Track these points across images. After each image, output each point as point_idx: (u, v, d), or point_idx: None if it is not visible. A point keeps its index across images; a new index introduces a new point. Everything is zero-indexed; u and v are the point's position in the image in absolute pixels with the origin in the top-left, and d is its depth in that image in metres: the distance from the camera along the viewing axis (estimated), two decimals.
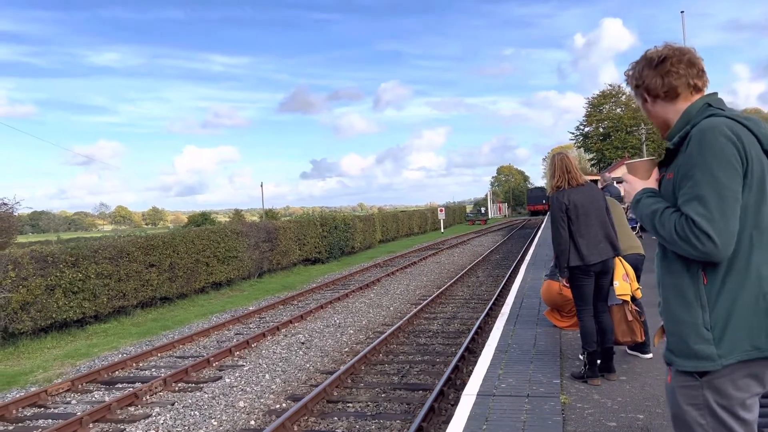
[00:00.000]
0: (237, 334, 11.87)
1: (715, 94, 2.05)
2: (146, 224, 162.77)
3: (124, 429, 6.89)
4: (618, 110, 59.05)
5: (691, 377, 1.92)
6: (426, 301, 13.51)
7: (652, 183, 2.11)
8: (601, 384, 5.13)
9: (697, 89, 2.05)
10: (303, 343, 10.61)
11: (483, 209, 72.81)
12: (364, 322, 12.27)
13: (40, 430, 6.96)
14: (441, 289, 15.32)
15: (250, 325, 12.68)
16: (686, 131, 1.95)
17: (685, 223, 1.84)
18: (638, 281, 5.75)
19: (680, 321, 1.93)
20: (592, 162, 63.62)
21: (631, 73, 2.18)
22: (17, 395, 8.43)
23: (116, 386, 8.70)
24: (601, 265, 5.12)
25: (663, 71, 2.05)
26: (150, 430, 6.82)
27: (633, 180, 2.16)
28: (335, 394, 7.62)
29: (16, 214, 23.64)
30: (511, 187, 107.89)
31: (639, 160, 2.19)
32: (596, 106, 60.65)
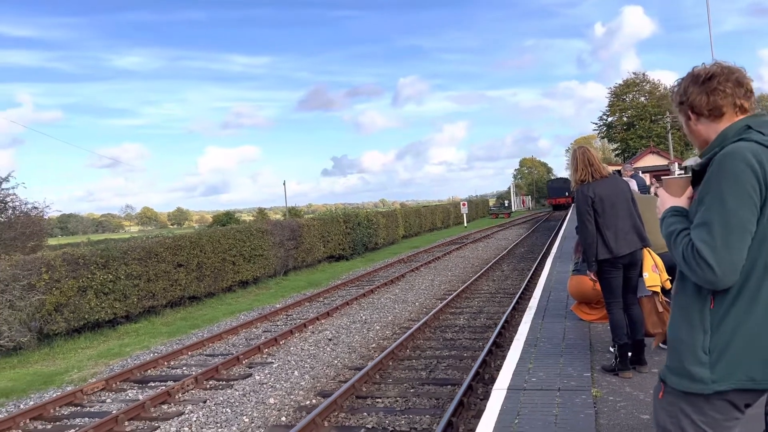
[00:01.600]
0: (265, 331, 11.99)
1: (763, 115, 1.97)
2: (172, 225, 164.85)
3: (158, 426, 7.02)
4: (642, 99, 58.18)
5: (673, 390, 1.94)
6: (451, 296, 13.51)
7: (683, 201, 2.07)
8: (632, 377, 5.08)
9: (743, 110, 1.98)
10: (330, 340, 10.68)
11: (506, 202, 72.29)
12: (390, 318, 12.31)
13: (77, 428, 7.12)
14: (466, 284, 15.30)
15: (278, 323, 12.81)
16: (714, 153, 1.90)
17: (690, 249, 1.83)
18: (675, 278, 5.65)
19: (680, 341, 1.93)
20: (616, 152, 62.83)
21: (676, 89, 2.12)
22: (54, 395, 8.64)
23: (149, 385, 8.87)
24: (629, 257, 5.07)
25: (709, 89, 1.98)
26: (183, 427, 6.94)
27: (665, 197, 2.13)
28: (364, 389, 7.67)
29: (46, 217, 24.14)
30: (534, 180, 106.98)
31: (675, 177, 2.17)
32: (619, 95, 59.85)
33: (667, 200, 2.11)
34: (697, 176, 1.97)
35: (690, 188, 2.08)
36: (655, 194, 2.37)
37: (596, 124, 63.90)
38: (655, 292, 5.35)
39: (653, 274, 5.31)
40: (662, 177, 2.37)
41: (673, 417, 1.93)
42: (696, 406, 1.88)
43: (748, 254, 1.80)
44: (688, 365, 1.88)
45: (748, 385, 1.81)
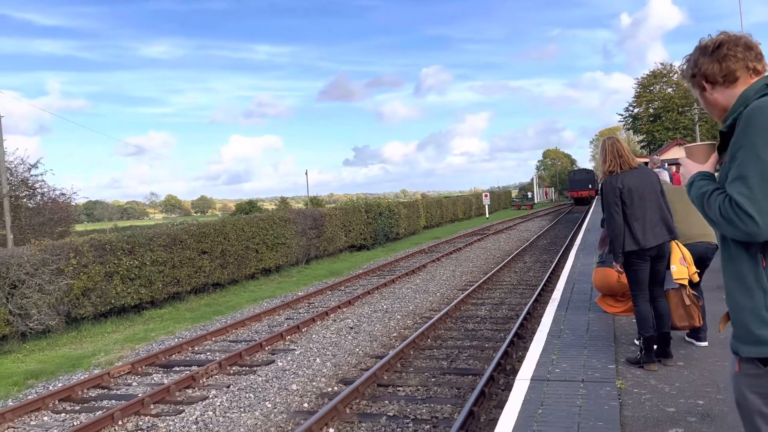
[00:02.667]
0: (287, 319, 12.10)
1: None
2: (195, 212, 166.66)
3: (183, 410, 7.13)
4: (669, 90, 57.11)
5: (755, 365, 1.86)
6: (473, 287, 13.48)
7: (708, 167, 2.07)
8: (658, 369, 5.03)
9: (757, 72, 1.99)
10: (352, 328, 10.74)
11: (529, 194, 71.80)
12: (411, 308, 12.32)
13: (104, 410, 7.27)
14: (488, 275, 15.24)
15: (300, 311, 12.91)
16: (739, 113, 1.89)
17: (728, 204, 1.80)
18: (705, 270, 5.57)
19: (742, 307, 1.88)
20: (642, 144, 61.85)
21: (686, 65, 2.13)
22: (82, 377, 8.83)
23: (174, 369, 9.01)
24: (657, 249, 5.01)
25: (720, 56, 2.00)
26: (207, 411, 7.04)
27: (689, 164, 2.13)
28: (385, 377, 7.71)
29: (73, 203, 24.61)
30: (557, 171, 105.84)
31: (696, 144, 2.17)
32: (646, 86, 58.80)
33: (692, 167, 2.11)
34: (724, 139, 1.96)
35: (715, 154, 2.08)
36: (669, 163, 2.36)
37: (622, 115, 62.94)
38: (682, 285, 5.29)
39: (681, 267, 5.25)
40: (684, 146, 2.35)
41: (764, 396, 1.85)
42: None
43: None
44: (755, 330, 1.83)
45: None
